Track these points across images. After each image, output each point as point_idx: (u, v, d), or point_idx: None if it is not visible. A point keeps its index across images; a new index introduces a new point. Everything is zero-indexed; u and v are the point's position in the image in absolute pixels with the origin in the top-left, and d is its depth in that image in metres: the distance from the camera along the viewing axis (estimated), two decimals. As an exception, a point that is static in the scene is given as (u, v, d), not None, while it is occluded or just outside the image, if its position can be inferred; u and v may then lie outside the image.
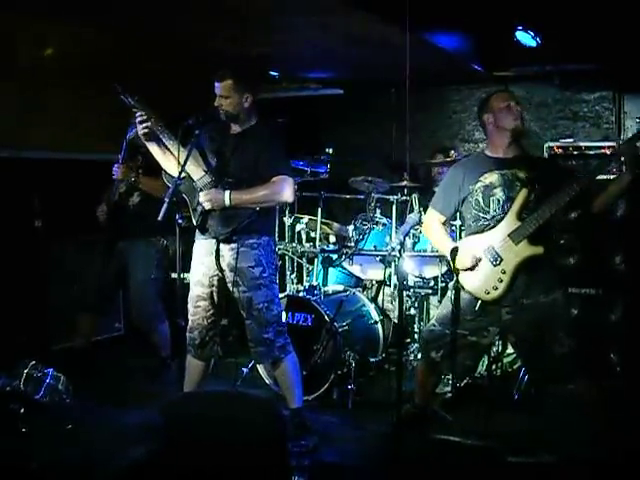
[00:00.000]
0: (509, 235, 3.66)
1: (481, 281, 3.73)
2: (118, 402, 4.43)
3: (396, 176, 5.43)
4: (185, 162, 3.63)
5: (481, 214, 3.76)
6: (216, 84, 3.79)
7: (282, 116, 5.43)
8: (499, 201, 3.70)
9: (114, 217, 4.76)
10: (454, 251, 3.71)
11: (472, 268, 3.73)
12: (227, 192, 3.72)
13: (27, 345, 4.77)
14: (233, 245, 3.80)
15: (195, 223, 3.83)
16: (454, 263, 3.71)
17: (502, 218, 3.69)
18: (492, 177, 3.73)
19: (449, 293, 3.93)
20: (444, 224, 4.01)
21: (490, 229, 3.73)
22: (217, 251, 3.84)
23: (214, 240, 3.84)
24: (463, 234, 3.94)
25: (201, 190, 3.77)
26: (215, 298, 3.93)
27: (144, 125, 3.76)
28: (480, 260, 3.72)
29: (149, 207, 4.37)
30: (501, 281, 3.68)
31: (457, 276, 3.74)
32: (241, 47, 5.01)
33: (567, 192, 3.54)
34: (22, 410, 4.06)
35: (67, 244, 5.46)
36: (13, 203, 5.09)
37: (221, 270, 3.86)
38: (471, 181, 3.78)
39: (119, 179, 4.66)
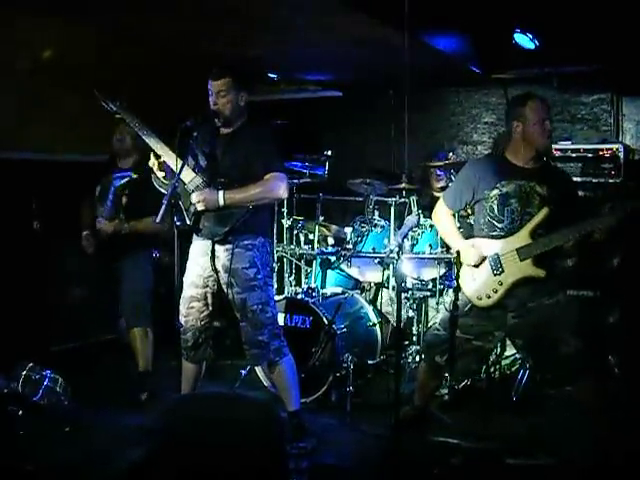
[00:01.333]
0: (517, 249, 3.66)
1: (477, 285, 3.74)
2: (116, 404, 4.42)
3: (394, 178, 5.43)
4: (183, 165, 3.63)
5: (495, 222, 3.74)
6: (211, 83, 3.78)
7: (281, 118, 5.44)
8: (514, 212, 3.68)
9: (106, 243, 4.67)
10: (459, 253, 3.72)
11: (476, 266, 3.74)
12: (221, 192, 3.71)
13: (25, 347, 4.76)
14: (228, 246, 3.79)
15: (189, 223, 3.82)
16: (459, 263, 3.72)
17: (516, 230, 3.68)
18: (509, 187, 3.69)
19: (452, 296, 3.93)
20: (453, 216, 4.04)
21: (501, 238, 3.73)
22: (212, 252, 3.83)
23: (210, 241, 3.83)
24: (475, 234, 3.93)
25: (193, 192, 3.76)
26: (209, 299, 3.92)
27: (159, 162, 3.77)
28: (484, 261, 3.73)
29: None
30: (495, 291, 3.69)
31: (457, 279, 3.76)
32: (240, 48, 5.02)
33: (581, 228, 3.56)
34: (20, 412, 4.06)
35: (66, 245, 5.45)
36: (12, 204, 5.08)
37: (216, 271, 3.85)
38: (487, 186, 3.75)
39: (110, 233, 4.58)
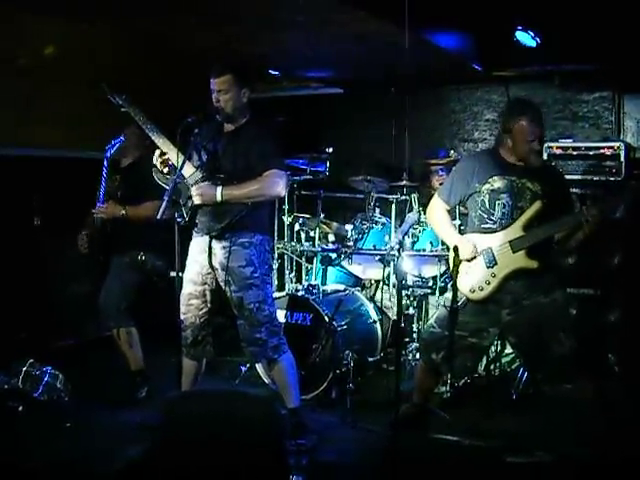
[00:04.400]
0: (510, 242, 3.68)
1: (470, 279, 3.77)
2: (116, 401, 4.43)
3: (395, 175, 5.43)
4: (184, 161, 3.63)
5: (485, 216, 3.77)
6: (213, 81, 3.78)
7: (282, 115, 5.44)
8: (504, 206, 3.72)
9: (101, 241, 4.64)
10: (456, 249, 3.73)
11: (470, 261, 3.76)
12: (219, 187, 3.71)
13: (26, 343, 4.77)
14: (225, 243, 3.79)
15: (186, 218, 3.82)
16: (455, 259, 3.73)
17: (508, 224, 3.71)
18: (501, 182, 3.74)
19: (448, 294, 3.94)
20: (449, 212, 4.04)
21: (492, 232, 3.74)
22: (209, 249, 3.84)
23: (208, 237, 3.84)
24: (467, 229, 3.94)
25: (192, 186, 3.76)
26: (208, 296, 3.92)
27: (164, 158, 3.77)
28: (477, 257, 3.74)
29: (128, 225, 4.49)
30: (488, 283, 3.71)
31: (455, 275, 3.76)
32: (241, 46, 5.02)
33: (572, 220, 3.59)
34: (20, 408, 4.06)
35: (66, 242, 5.45)
36: (13, 201, 5.08)
37: (213, 269, 3.86)
38: (480, 180, 3.79)
39: (105, 219, 4.53)
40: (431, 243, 5.05)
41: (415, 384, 4.18)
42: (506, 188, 3.72)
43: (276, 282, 5.21)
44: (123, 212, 4.49)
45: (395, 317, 4.67)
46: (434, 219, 4.05)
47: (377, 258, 5.19)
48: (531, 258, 3.66)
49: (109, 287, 4.60)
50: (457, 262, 3.76)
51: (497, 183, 3.74)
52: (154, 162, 3.81)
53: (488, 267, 3.72)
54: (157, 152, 3.80)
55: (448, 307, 3.78)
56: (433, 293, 5.17)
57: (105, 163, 4.48)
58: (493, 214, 3.75)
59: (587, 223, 3.56)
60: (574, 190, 4.78)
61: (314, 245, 5.34)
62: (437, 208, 4.01)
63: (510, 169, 3.76)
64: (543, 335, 3.68)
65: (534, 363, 3.92)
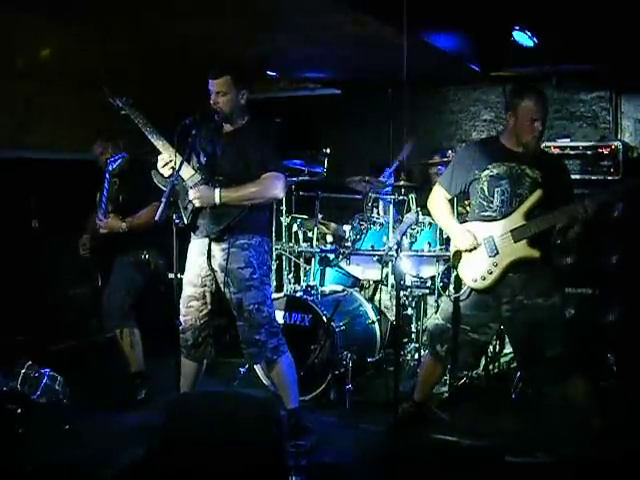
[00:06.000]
0: (511, 231, 3.68)
1: (472, 267, 3.78)
2: (115, 403, 4.42)
3: (393, 176, 5.42)
4: (182, 163, 3.63)
5: (485, 203, 3.78)
6: (211, 82, 3.78)
7: (280, 116, 5.44)
8: (503, 193, 3.71)
9: (103, 244, 4.64)
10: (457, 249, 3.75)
11: (471, 250, 3.77)
12: (217, 189, 3.71)
13: (24, 345, 4.76)
14: (224, 245, 3.80)
15: (186, 221, 3.82)
16: (457, 253, 3.73)
17: (508, 212, 3.71)
18: (500, 168, 3.73)
19: (450, 288, 3.95)
20: (449, 201, 4.04)
21: (493, 220, 3.75)
22: (209, 251, 3.84)
23: (207, 240, 3.84)
24: (468, 217, 3.96)
25: (191, 189, 3.77)
26: (208, 298, 3.92)
27: (168, 165, 3.76)
28: (478, 246, 3.76)
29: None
30: (490, 273, 3.72)
31: (457, 265, 3.78)
32: (239, 47, 5.02)
33: (575, 210, 3.57)
34: (19, 410, 4.05)
35: (64, 244, 5.44)
36: (11, 203, 5.08)
37: (213, 270, 3.86)
38: (480, 166, 3.79)
39: (107, 232, 4.52)
40: (429, 243, 5.04)
41: (419, 379, 4.17)
42: (505, 174, 3.71)
43: (274, 283, 5.20)
44: (123, 226, 4.50)
45: (394, 318, 4.67)
46: (435, 208, 4.04)
47: (375, 258, 5.19)
48: (532, 247, 3.66)
49: (113, 287, 4.59)
50: (458, 253, 3.78)
51: (496, 169, 3.73)
52: (158, 168, 3.82)
53: (490, 256, 3.72)
54: (160, 159, 3.80)
55: (453, 296, 3.81)
56: (431, 293, 5.17)
57: (107, 177, 4.48)
58: (492, 201, 3.74)
59: (585, 213, 3.55)
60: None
61: (312, 246, 5.34)
62: (438, 197, 4.01)
63: (510, 155, 3.75)
64: (538, 338, 3.69)
65: (525, 363, 3.94)
